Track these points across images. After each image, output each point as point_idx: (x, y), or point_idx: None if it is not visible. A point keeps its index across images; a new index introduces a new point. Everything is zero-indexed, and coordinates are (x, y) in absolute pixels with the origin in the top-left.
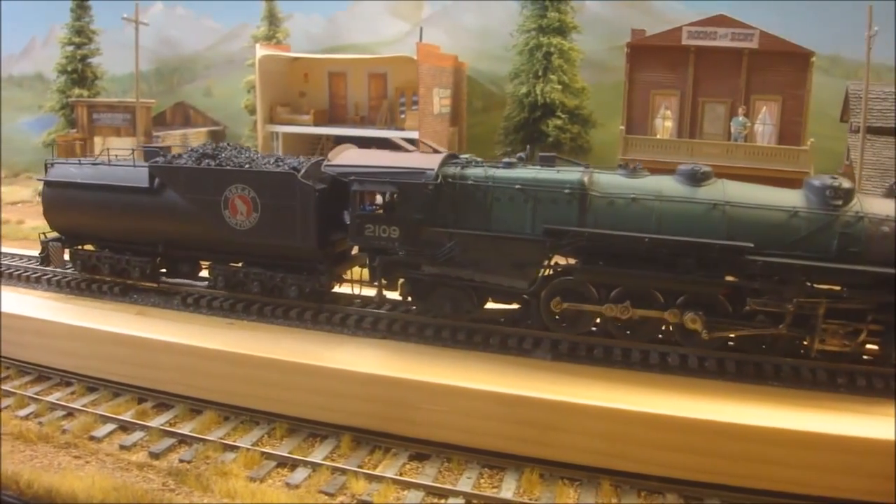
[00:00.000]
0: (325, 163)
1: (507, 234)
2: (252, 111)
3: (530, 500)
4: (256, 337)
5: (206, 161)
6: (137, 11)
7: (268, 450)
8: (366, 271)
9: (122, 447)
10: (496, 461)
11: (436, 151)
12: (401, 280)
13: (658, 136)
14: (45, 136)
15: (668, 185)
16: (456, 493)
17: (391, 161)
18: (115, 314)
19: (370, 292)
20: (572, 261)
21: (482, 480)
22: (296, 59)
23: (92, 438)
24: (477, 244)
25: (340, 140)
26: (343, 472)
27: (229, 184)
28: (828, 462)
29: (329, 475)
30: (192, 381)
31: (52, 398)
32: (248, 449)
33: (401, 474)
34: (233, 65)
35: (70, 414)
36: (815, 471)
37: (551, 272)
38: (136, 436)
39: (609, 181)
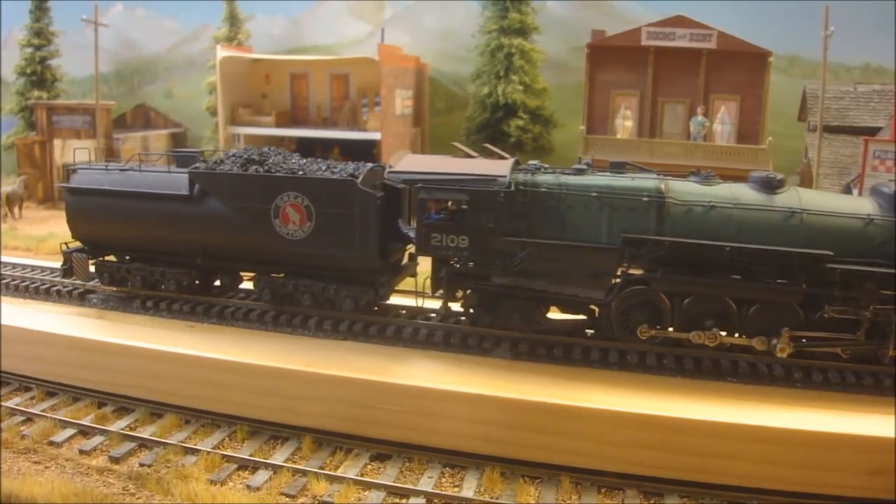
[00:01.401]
0: (388, 169)
1: (583, 243)
2: (213, 113)
3: (491, 498)
4: (218, 339)
5: (254, 167)
6: (97, 12)
7: (229, 452)
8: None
9: (82, 452)
10: (457, 460)
11: (501, 157)
12: (465, 291)
13: (618, 136)
14: (5, 138)
15: (743, 192)
16: (417, 493)
17: (459, 168)
18: (74, 318)
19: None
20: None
21: (443, 480)
22: (257, 60)
23: (51, 443)
24: (551, 254)
25: (302, 141)
26: (304, 473)
27: (281, 191)
28: (784, 456)
29: (290, 477)
30: (150, 384)
31: (10, 403)
32: (208, 452)
33: (362, 475)
34: (194, 66)
35: (29, 419)
36: (773, 465)
37: (623, 281)
38: (96, 440)
39: (684, 188)
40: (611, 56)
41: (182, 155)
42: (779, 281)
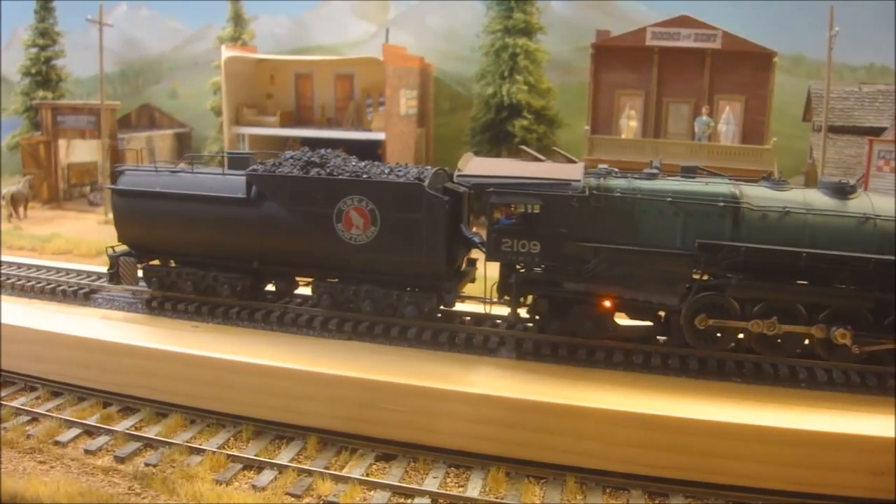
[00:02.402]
0: (457, 173)
1: (658, 249)
2: (218, 113)
3: (496, 498)
4: (223, 339)
5: (315, 170)
6: (101, 13)
7: (234, 452)
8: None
9: (88, 452)
10: (462, 460)
11: (569, 161)
12: (532, 297)
13: (623, 136)
14: (10, 138)
15: (816, 197)
16: (422, 493)
17: (531, 171)
18: (79, 318)
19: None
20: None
21: (448, 480)
22: (262, 60)
23: (57, 443)
24: (625, 259)
25: (307, 142)
26: (309, 473)
27: (344, 195)
28: (788, 456)
29: (295, 477)
30: (155, 384)
31: (16, 403)
32: (214, 452)
33: (367, 475)
34: (198, 66)
35: (34, 419)
36: (777, 466)
37: (697, 287)
38: (102, 440)
39: (758, 193)
40: (615, 56)
41: (236, 156)
42: (850, 287)
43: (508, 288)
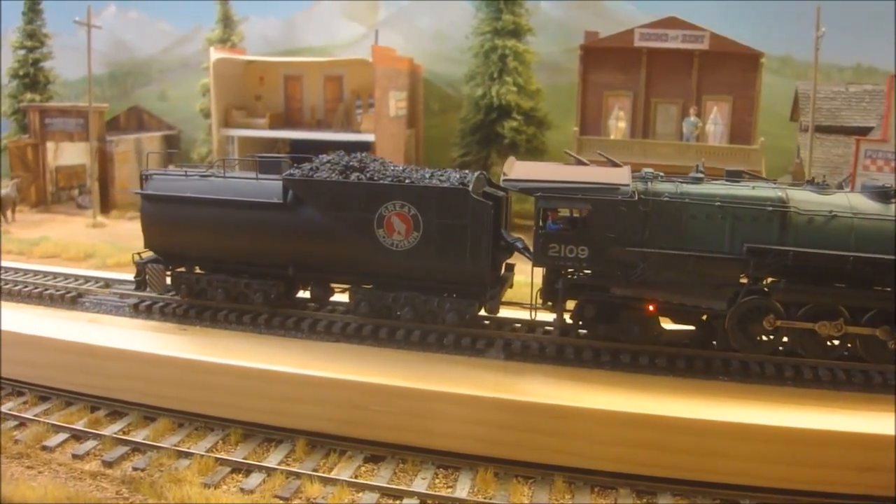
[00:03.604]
0: (503, 177)
1: (707, 253)
2: (207, 115)
3: (485, 498)
4: (210, 342)
5: (356, 175)
6: (90, 14)
7: (223, 456)
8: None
9: (75, 456)
10: (451, 461)
11: (613, 164)
12: (579, 302)
13: (612, 137)
14: None
15: (860, 201)
16: (411, 494)
17: (579, 175)
18: (66, 322)
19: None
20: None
21: (437, 480)
22: (251, 62)
23: (44, 448)
24: (674, 263)
25: (296, 144)
26: (298, 475)
27: (386, 200)
28: (775, 454)
29: (284, 479)
30: (143, 388)
31: (3, 408)
32: (202, 455)
33: (356, 476)
34: (187, 68)
35: (22, 424)
36: (765, 463)
37: (745, 291)
38: (89, 445)
39: (804, 197)
40: (604, 57)
41: (267, 160)
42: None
43: (554, 293)
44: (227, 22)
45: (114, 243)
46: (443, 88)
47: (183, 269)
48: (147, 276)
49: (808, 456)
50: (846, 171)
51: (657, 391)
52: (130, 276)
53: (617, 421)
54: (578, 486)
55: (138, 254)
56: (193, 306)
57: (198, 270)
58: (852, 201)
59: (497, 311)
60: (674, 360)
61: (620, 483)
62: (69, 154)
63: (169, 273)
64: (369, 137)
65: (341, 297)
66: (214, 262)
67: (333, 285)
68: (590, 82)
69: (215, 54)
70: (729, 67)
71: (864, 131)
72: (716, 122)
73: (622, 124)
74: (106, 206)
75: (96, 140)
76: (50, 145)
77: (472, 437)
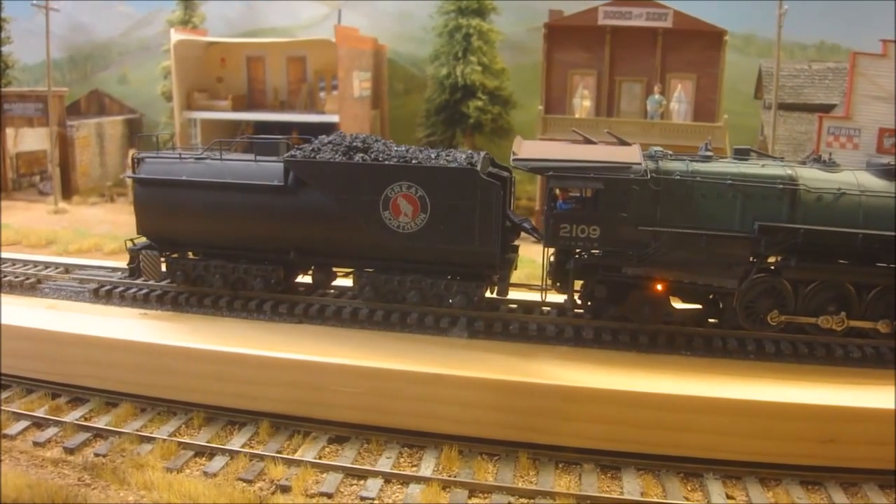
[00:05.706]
0: (513, 157)
1: (718, 232)
2: (169, 98)
3: (449, 476)
4: (172, 326)
5: (360, 155)
6: None
7: (185, 440)
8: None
9: (36, 444)
10: (416, 440)
11: (622, 143)
12: (588, 283)
13: (577, 116)
14: None
15: (867, 179)
16: (375, 474)
17: (590, 154)
18: (25, 308)
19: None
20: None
21: (401, 460)
22: (212, 43)
23: (5, 436)
24: (686, 242)
25: (259, 125)
26: (261, 458)
27: (393, 181)
28: (738, 427)
29: (247, 462)
30: (104, 374)
31: None
32: (164, 440)
33: (320, 457)
34: (148, 51)
35: None
36: (728, 436)
37: (755, 269)
38: (50, 432)
39: (812, 175)
40: (568, 36)
41: (266, 142)
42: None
43: (565, 274)
44: (187, 3)
45: (75, 229)
46: (407, 68)
47: (177, 255)
48: (141, 263)
49: (770, 429)
50: (809, 148)
51: (621, 366)
52: (91, 262)
53: (581, 397)
54: (543, 463)
55: (131, 240)
56: (156, 289)
57: (191, 256)
58: (860, 179)
59: (506, 293)
60: (636, 335)
61: (585, 458)
62: (29, 140)
63: (163, 259)
64: (333, 118)
65: (339, 286)
66: (212, 248)
67: (336, 269)
68: (554, 61)
69: (176, 36)
70: (693, 45)
71: (827, 108)
72: (680, 100)
73: (587, 103)
74: (68, 192)
75: (57, 125)
76: (9, 131)
77: (434, 415)
